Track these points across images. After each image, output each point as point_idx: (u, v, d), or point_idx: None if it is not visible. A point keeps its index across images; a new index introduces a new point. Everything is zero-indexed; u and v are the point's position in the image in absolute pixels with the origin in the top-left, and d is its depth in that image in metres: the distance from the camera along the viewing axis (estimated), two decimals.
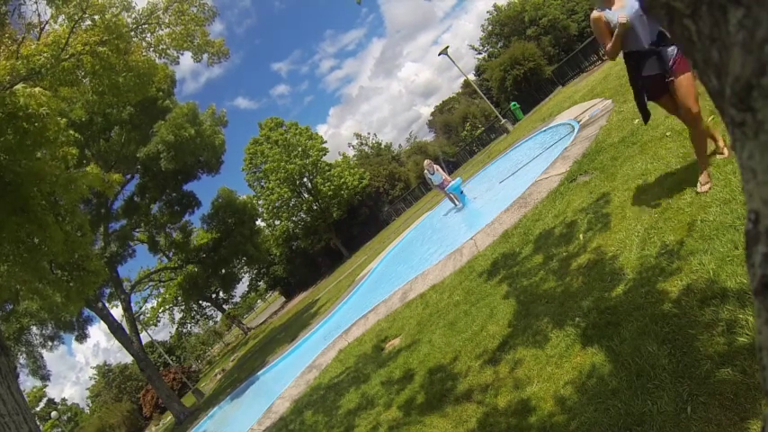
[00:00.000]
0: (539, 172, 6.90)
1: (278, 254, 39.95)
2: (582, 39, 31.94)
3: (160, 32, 8.18)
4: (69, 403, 46.02)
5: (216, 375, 25.90)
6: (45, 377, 21.25)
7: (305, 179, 35.78)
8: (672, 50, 3.08)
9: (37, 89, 6.10)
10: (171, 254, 27.09)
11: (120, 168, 17.73)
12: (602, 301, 2.82)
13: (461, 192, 11.70)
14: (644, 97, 3.27)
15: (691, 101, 3.06)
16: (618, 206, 3.82)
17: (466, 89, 46.02)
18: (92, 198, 16.77)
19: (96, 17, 7.09)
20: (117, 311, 18.86)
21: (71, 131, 8.52)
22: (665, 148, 4.05)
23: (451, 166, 32.07)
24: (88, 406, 44.80)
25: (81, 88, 7.94)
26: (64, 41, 6.89)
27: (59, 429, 33.67)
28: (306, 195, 36.48)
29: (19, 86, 6.16)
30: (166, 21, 8.08)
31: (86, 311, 18.19)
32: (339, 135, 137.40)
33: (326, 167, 36.18)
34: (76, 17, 6.91)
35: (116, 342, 16.18)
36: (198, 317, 38.51)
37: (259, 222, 33.94)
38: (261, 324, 35.92)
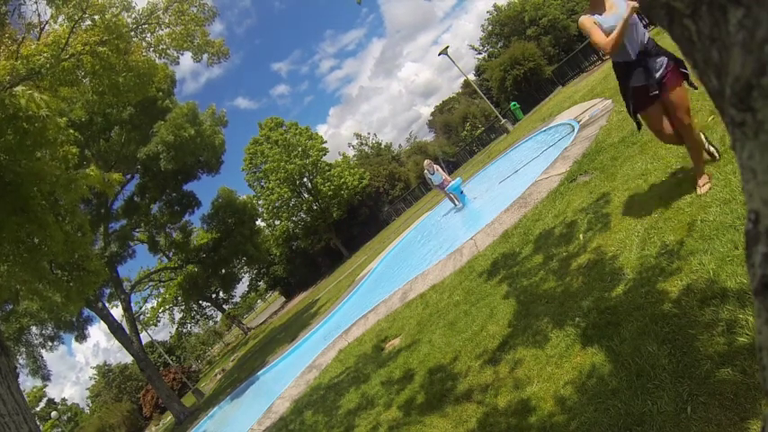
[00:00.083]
0: (539, 172, 6.90)
1: (278, 254, 39.96)
2: (582, 39, 31.85)
3: (160, 32, 8.18)
4: (69, 403, 46.10)
5: (216, 375, 25.90)
6: (45, 377, 21.27)
7: (305, 179, 35.79)
8: (660, 62, 3.07)
9: (36, 92, 6.09)
10: (171, 254, 27.09)
11: (120, 168, 17.72)
12: (602, 301, 2.82)
13: (461, 192, 11.70)
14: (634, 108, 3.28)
15: (682, 113, 3.08)
16: (618, 206, 3.82)
17: (466, 89, 46.03)
18: (92, 198, 16.78)
19: (96, 17, 7.09)
20: (117, 311, 18.89)
21: (71, 131, 8.53)
22: (665, 148, 4.04)
23: (451, 166, 32.08)
24: (88, 406, 44.86)
25: (81, 88, 7.94)
26: (64, 41, 6.89)
27: (59, 429, 33.68)
28: (306, 195, 36.49)
29: (19, 88, 6.16)
30: (166, 21, 8.08)
31: (86, 311, 18.19)
32: (339, 135, 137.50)
33: (326, 167, 36.19)
34: (76, 17, 6.91)
35: (116, 342, 16.19)
36: (198, 317, 38.52)
37: (259, 222, 33.98)
38: (261, 324, 35.93)
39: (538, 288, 3.69)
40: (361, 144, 47.15)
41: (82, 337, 19.57)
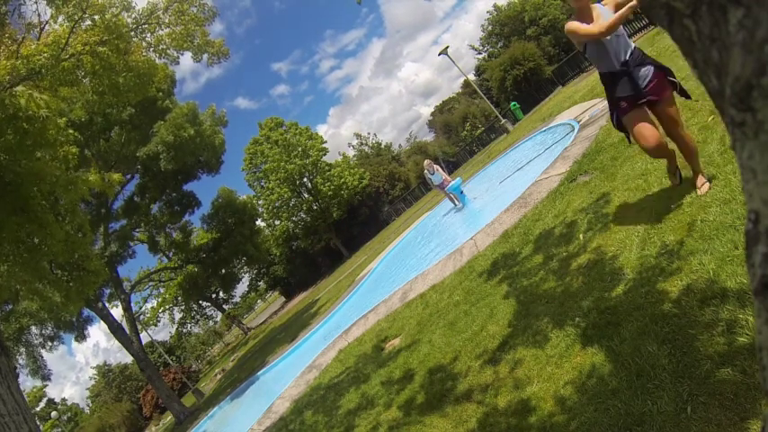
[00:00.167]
0: (539, 172, 6.90)
1: (278, 254, 39.96)
2: None
3: (160, 32, 8.19)
4: (69, 403, 46.11)
5: (216, 375, 25.91)
6: (45, 377, 21.27)
7: (305, 179, 35.79)
8: (646, 71, 3.05)
9: (36, 92, 6.10)
10: (171, 254, 27.09)
11: (120, 168, 17.74)
12: (602, 301, 2.82)
13: (461, 192, 11.70)
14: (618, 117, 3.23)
15: (675, 123, 3.08)
16: (618, 206, 3.82)
17: (466, 89, 46.03)
18: (92, 198, 16.77)
19: (96, 17, 7.10)
20: (117, 311, 18.88)
21: (71, 131, 8.53)
22: None
23: (451, 166, 32.07)
24: (88, 406, 44.87)
25: (81, 88, 7.95)
26: (64, 41, 6.89)
27: (59, 429, 33.68)
28: (306, 195, 36.48)
29: (20, 88, 6.17)
30: (166, 21, 8.09)
31: (86, 311, 18.20)
32: (339, 135, 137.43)
33: (326, 167, 36.19)
34: (76, 17, 6.91)
35: (116, 342, 16.19)
36: (198, 317, 38.51)
37: (259, 222, 33.99)
38: (261, 324, 35.93)
39: (538, 288, 3.69)
40: (361, 144, 47.18)
41: (82, 337, 19.58)
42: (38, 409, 37.56)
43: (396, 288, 7.60)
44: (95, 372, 45.62)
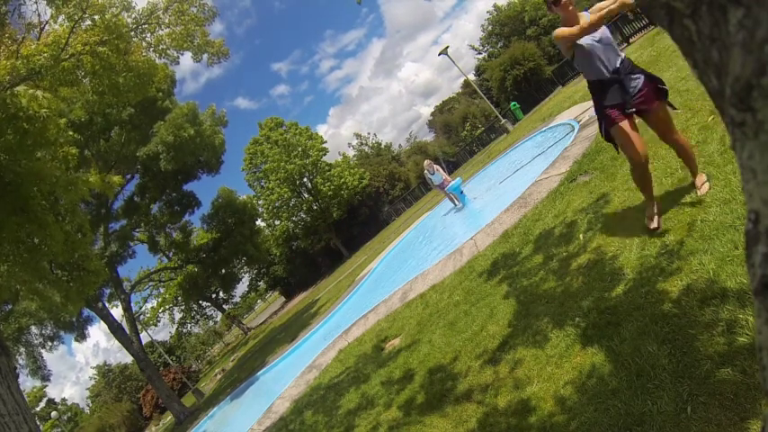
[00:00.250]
0: (539, 172, 6.90)
1: (278, 254, 39.96)
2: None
3: (160, 32, 8.19)
4: (69, 403, 46.15)
5: (216, 375, 25.91)
6: (45, 377, 21.30)
7: (305, 179, 35.78)
8: (636, 79, 3.04)
9: (39, 91, 6.09)
10: (171, 254, 27.09)
11: (120, 168, 17.76)
12: (602, 301, 2.82)
13: (461, 192, 11.70)
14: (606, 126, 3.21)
15: (670, 128, 3.08)
16: (618, 206, 3.82)
17: (466, 89, 46.04)
18: (92, 198, 16.77)
19: (96, 17, 7.10)
20: (117, 311, 18.89)
21: (71, 132, 8.54)
22: (664, 148, 4.04)
23: (451, 166, 32.06)
24: (88, 406, 44.89)
25: (81, 88, 7.95)
26: (64, 41, 6.89)
27: (59, 429, 33.67)
28: (306, 195, 36.48)
29: (20, 88, 6.17)
30: (166, 21, 8.09)
31: (86, 311, 18.21)
32: (339, 135, 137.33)
33: (326, 167, 36.19)
34: (76, 17, 6.91)
35: (116, 342, 16.19)
36: (198, 317, 38.52)
37: (259, 222, 33.97)
38: (261, 324, 35.93)
39: (538, 288, 3.69)
40: (361, 144, 47.19)
41: (82, 337, 19.60)
42: (38, 409, 37.58)
43: (396, 288, 7.60)
44: (95, 372, 45.68)
